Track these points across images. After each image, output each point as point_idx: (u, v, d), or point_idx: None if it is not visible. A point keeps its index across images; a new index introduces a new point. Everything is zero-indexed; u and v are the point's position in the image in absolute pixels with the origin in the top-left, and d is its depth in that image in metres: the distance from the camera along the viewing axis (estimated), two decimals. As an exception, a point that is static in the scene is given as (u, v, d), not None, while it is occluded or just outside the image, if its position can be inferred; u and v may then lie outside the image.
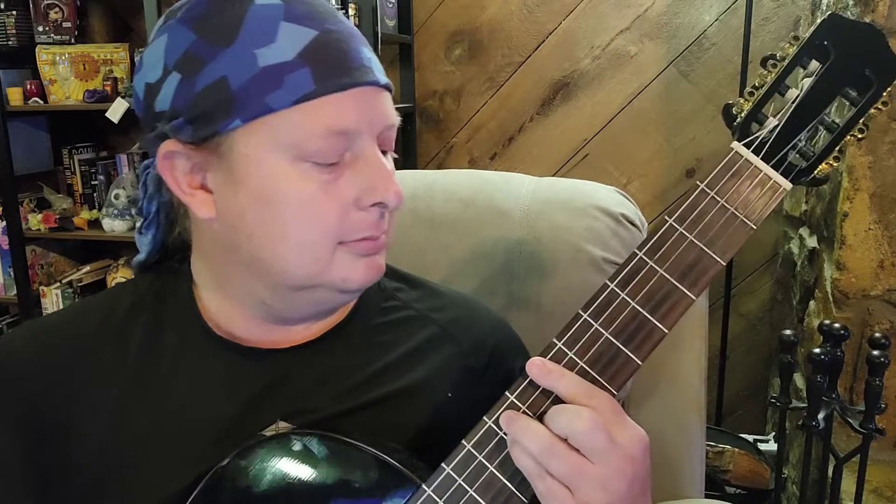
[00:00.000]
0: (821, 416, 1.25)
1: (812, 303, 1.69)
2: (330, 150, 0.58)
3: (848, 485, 1.34)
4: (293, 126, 0.57)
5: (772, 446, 1.85)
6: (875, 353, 1.20)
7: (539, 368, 0.54)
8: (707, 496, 1.03)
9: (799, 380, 1.72)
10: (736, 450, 1.74)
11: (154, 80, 0.60)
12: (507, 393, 0.56)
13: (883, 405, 1.23)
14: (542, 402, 0.54)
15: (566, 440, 0.52)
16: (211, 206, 0.61)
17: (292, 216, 0.58)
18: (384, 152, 0.63)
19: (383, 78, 0.62)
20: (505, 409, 0.55)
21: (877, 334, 1.25)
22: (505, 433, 0.54)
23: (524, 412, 0.54)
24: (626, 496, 0.52)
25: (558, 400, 0.54)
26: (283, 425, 0.63)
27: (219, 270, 0.66)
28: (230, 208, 0.60)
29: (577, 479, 0.51)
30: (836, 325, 1.26)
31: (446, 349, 0.71)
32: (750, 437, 1.86)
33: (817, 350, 1.23)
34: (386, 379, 0.67)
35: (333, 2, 2.13)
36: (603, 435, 0.51)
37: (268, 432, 0.62)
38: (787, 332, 1.30)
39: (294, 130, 0.57)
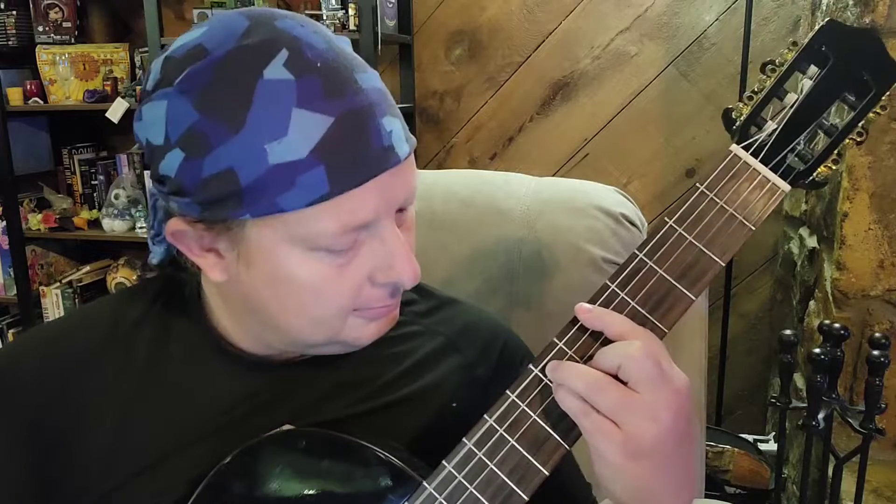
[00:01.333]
0: (821, 416, 1.25)
1: (812, 303, 1.69)
2: (344, 243, 0.56)
3: (848, 485, 1.34)
4: (306, 224, 0.54)
5: (772, 446, 1.85)
6: (875, 353, 1.20)
7: (587, 311, 0.54)
8: (707, 496, 1.03)
9: (799, 380, 1.72)
10: (736, 450, 1.74)
11: (156, 143, 0.56)
12: (507, 391, 0.56)
13: (883, 405, 1.22)
14: (588, 347, 0.55)
15: (614, 375, 0.51)
16: (223, 270, 0.59)
17: (307, 297, 0.57)
18: (402, 210, 0.60)
19: (404, 148, 0.56)
20: (551, 357, 0.55)
21: (877, 334, 1.25)
22: (548, 381, 0.54)
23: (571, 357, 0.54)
24: (672, 429, 0.51)
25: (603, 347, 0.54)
26: (287, 428, 0.63)
27: (232, 310, 0.65)
28: (242, 281, 0.59)
29: (626, 410, 0.50)
30: (836, 325, 1.26)
31: (452, 359, 0.71)
32: (750, 437, 1.86)
33: (817, 350, 1.23)
34: (392, 389, 0.68)
35: (333, 2, 2.13)
36: (653, 363, 0.50)
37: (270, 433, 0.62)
38: (787, 331, 1.29)
39: (307, 228, 0.54)
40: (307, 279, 0.56)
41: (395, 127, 0.56)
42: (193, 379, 0.65)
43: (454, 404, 0.69)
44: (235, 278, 0.59)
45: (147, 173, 1.76)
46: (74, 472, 0.63)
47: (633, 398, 0.50)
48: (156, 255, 0.69)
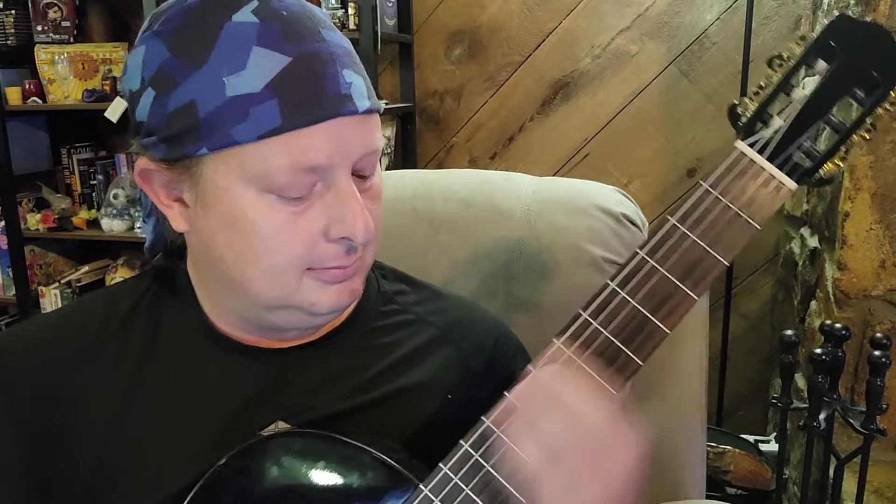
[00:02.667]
0: (822, 416, 1.25)
1: (813, 303, 1.69)
2: (298, 185, 0.56)
3: (849, 485, 1.33)
4: (259, 160, 0.55)
5: (773, 447, 1.85)
6: (876, 353, 1.20)
7: None
8: (708, 497, 1.03)
9: (800, 380, 1.72)
10: (737, 450, 1.73)
11: (134, 89, 0.59)
12: (505, 393, 0.55)
13: (884, 406, 1.22)
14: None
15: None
16: (186, 219, 0.61)
17: (259, 244, 0.58)
18: (364, 177, 0.61)
19: (364, 103, 0.58)
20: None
21: (878, 334, 1.24)
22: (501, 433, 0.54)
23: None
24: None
25: None
26: (282, 425, 0.63)
27: (204, 279, 0.67)
28: (202, 228, 0.60)
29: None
30: (838, 325, 1.26)
31: (445, 351, 0.71)
32: (751, 438, 1.86)
33: (818, 350, 1.22)
34: (385, 380, 0.67)
35: (333, 1, 2.13)
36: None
37: (266, 433, 0.62)
38: (789, 332, 1.29)
39: (260, 164, 0.55)
40: (259, 223, 0.57)
41: (356, 81, 0.58)
42: (186, 369, 0.65)
43: (449, 396, 0.69)
44: (196, 226, 0.61)
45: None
46: (70, 465, 0.63)
47: (572, 479, 0.52)
48: (148, 234, 0.70)
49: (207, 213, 0.59)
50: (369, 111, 0.58)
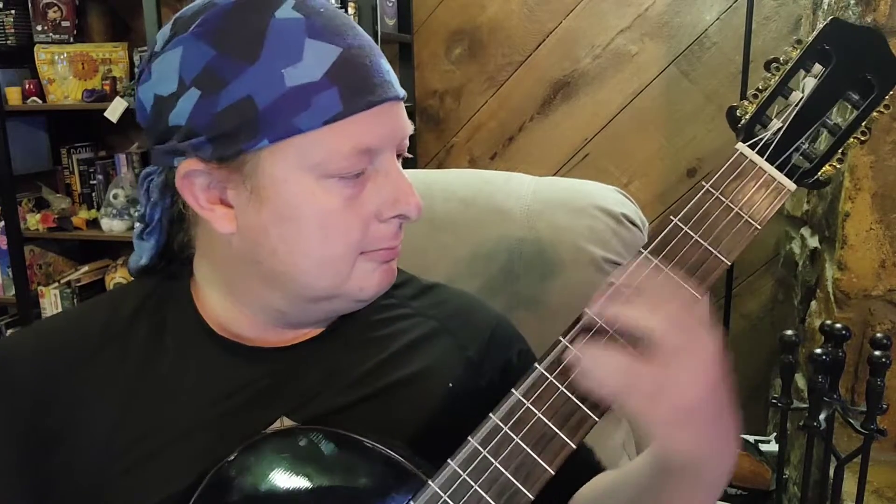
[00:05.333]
0: (822, 416, 1.25)
1: (813, 303, 1.69)
2: (354, 167, 0.58)
3: (849, 485, 1.33)
4: (320, 146, 0.57)
5: (773, 447, 1.85)
6: (876, 353, 1.20)
7: (602, 313, 0.53)
8: (708, 497, 1.03)
9: (800, 380, 1.72)
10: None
11: (167, 93, 0.59)
12: (512, 390, 0.55)
13: (884, 406, 1.22)
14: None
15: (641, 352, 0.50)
16: (232, 221, 0.61)
17: (317, 232, 0.59)
18: (398, 156, 0.64)
19: (401, 90, 0.62)
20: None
21: (878, 334, 1.24)
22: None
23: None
24: (708, 395, 0.52)
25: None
26: (287, 422, 0.64)
27: (232, 280, 0.66)
28: (252, 225, 0.60)
29: (662, 388, 0.50)
30: (838, 325, 1.26)
31: (444, 341, 0.72)
32: (751, 438, 1.86)
33: (819, 350, 1.22)
34: (385, 372, 0.68)
35: (333, 1, 2.13)
36: (677, 334, 0.50)
37: (271, 430, 0.62)
38: (789, 332, 1.29)
39: (321, 150, 0.57)
40: (318, 212, 0.59)
41: (390, 70, 0.62)
42: (189, 371, 0.65)
43: (450, 385, 0.69)
44: (245, 225, 0.61)
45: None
46: (72, 467, 0.63)
47: (667, 376, 0.50)
48: (145, 252, 0.68)
49: (262, 207, 0.59)
50: (403, 97, 0.63)
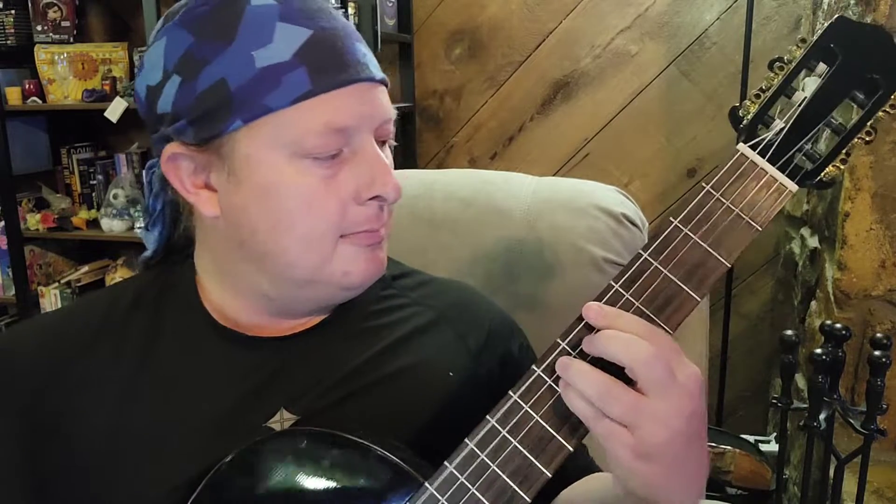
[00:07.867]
0: (822, 416, 1.25)
1: (813, 303, 1.69)
2: (328, 146, 0.59)
3: (849, 486, 1.33)
4: (292, 124, 0.58)
5: (773, 447, 1.85)
6: (876, 353, 1.20)
7: (596, 312, 0.52)
8: (708, 497, 1.03)
9: (800, 380, 1.72)
10: (737, 451, 1.73)
11: (155, 82, 0.61)
12: (510, 392, 0.55)
13: (884, 406, 1.22)
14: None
15: (623, 380, 0.50)
16: (215, 204, 0.63)
17: (295, 209, 0.60)
18: (383, 143, 0.64)
19: (379, 73, 0.63)
20: (554, 357, 0.53)
21: (878, 335, 1.24)
22: (555, 381, 0.53)
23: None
24: (684, 433, 0.50)
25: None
26: (286, 415, 0.64)
27: (224, 265, 0.67)
28: (233, 205, 0.62)
29: (637, 416, 0.49)
30: (838, 325, 1.26)
31: (443, 331, 0.72)
32: (751, 438, 1.85)
33: (819, 350, 1.22)
34: (384, 362, 0.68)
35: (333, 0, 2.13)
36: (663, 367, 0.49)
37: (272, 423, 0.63)
38: (789, 332, 1.29)
39: (293, 128, 0.58)
40: (294, 190, 0.60)
41: (368, 53, 0.63)
42: (187, 361, 0.66)
43: (450, 374, 0.69)
44: (226, 206, 0.62)
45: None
46: (73, 458, 0.63)
47: (643, 403, 0.49)
48: (150, 243, 0.71)
49: (240, 187, 0.60)
50: (383, 81, 0.64)
